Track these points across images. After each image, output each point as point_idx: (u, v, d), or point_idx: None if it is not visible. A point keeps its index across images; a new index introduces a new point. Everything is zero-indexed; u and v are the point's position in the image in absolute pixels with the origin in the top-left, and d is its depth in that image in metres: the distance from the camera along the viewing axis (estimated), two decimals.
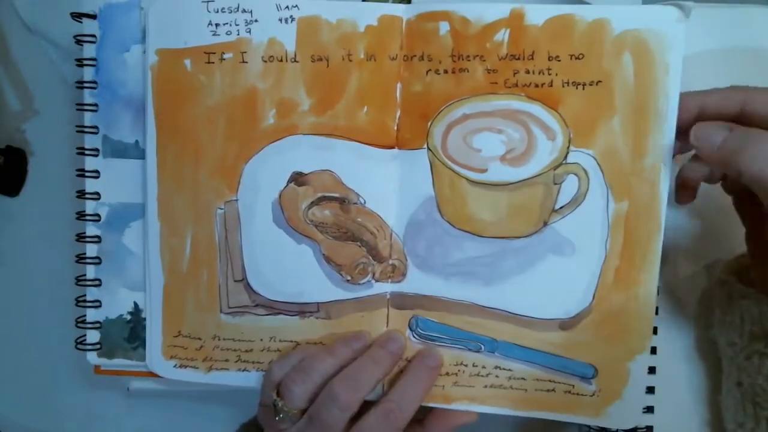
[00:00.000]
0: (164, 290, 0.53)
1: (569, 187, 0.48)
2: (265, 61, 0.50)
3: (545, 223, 0.49)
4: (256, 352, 0.53)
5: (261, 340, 0.53)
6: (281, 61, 0.50)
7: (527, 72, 0.48)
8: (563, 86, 0.47)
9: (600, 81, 0.47)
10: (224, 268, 0.52)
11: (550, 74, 0.47)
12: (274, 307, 0.52)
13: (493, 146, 0.48)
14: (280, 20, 0.49)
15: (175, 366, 0.54)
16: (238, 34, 0.50)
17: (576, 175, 0.48)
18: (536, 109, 0.48)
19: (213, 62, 0.50)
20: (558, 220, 0.49)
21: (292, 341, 0.52)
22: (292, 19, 0.49)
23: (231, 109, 0.50)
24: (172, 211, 0.52)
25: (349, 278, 0.51)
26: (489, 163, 0.48)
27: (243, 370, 0.53)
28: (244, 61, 0.50)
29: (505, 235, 0.49)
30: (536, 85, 0.48)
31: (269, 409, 0.48)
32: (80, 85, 0.53)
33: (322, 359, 0.49)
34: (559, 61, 0.47)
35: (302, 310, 0.52)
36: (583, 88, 0.47)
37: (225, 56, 0.50)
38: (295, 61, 0.49)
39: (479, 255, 0.50)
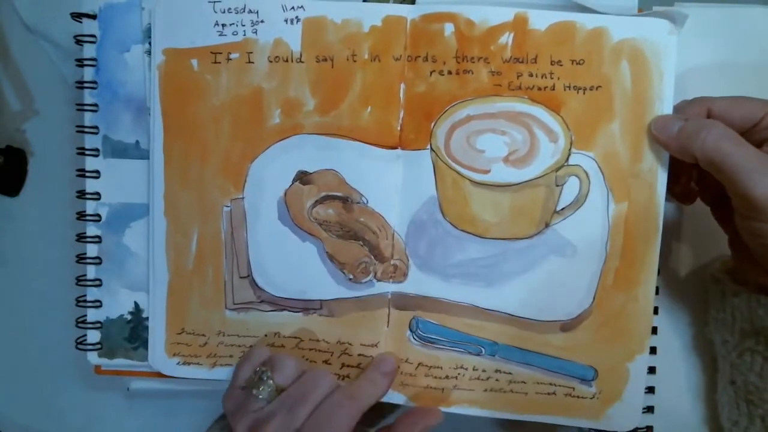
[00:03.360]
0: (169, 287, 0.53)
1: (570, 188, 0.49)
2: (271, 62, 0.50)
3: (547, 225, 0.49)
4: None
5: (265, 335, 0.53)
6: (287, 61, 0.50)
7: (530, 75, 0.48)
8: (565, 90, 0.48)
9: (600, 86, 0.48)
10: (230, 264, 0.52)
11: (552, 78, 0.48)
12: (278, 304, 0.52)
13: (497, 147, 0.49)
14: (286, 21, 0.50)
15: (178, 363, 0.53)
16: (245, 35, 0.50)
17: (577, 176, 0.49)
18: (539, 111, 0.49)
19: (219, 62, 0.50)
20: (559, 221, 0.49)
21: (295, 338, 0.52)
22: (298, 20, 0.50)
23: (237, 108, 0.51)
24: (178, 209, 0.52)
25: (351, 277, 0.51)
26: (492, 164, 0.49)
27: None
28: (250, 62, 0.50)
29: (507, 236, 0.50)
30: (539, 89, 0.48)
31: (246, 389, 0.48)
32: (80, 85, 0.53)
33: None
34: (561, 65, 0.48)
35: (306, 307, 0.52)
36: (584, 93, 0.48)
37: (231, 56, 0.50)
38: (301, 61, 0.50)
39: (481, 256, 0.50)
